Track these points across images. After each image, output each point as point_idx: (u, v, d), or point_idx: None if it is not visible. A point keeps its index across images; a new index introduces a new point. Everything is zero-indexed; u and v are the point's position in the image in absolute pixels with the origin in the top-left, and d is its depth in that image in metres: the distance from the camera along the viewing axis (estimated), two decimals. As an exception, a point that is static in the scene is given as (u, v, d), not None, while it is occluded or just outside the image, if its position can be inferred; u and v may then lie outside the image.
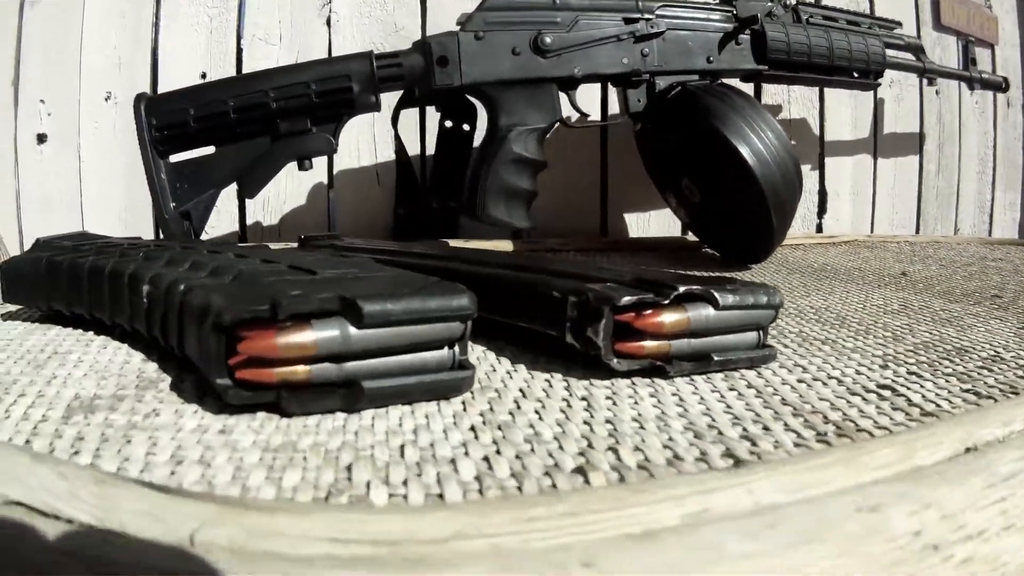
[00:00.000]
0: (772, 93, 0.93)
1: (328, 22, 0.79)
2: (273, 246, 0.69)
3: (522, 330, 0.32)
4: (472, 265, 0.34)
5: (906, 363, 0.33)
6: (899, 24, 0.86)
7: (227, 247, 0.38)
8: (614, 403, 0.26)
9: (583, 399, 0.26)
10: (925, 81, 0.93)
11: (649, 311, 0.28)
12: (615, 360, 0.28)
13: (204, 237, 0.63)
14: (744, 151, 0.62)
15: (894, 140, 1.03)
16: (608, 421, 0.24)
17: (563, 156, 0.81)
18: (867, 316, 0.46)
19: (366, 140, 0.80)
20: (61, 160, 0.75)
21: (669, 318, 0.29)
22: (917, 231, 1.06)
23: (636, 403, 0.26)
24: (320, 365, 0.22)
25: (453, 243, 0.73)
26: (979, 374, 0.31)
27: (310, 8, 0.79)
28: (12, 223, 0.73)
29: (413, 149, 0.81)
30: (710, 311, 0.30)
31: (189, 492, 0.17)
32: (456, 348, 0.24)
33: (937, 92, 1.04)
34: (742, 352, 0.31)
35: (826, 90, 0.96)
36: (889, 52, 0.81)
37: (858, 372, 0.31)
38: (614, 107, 0.87)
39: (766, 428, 0.24)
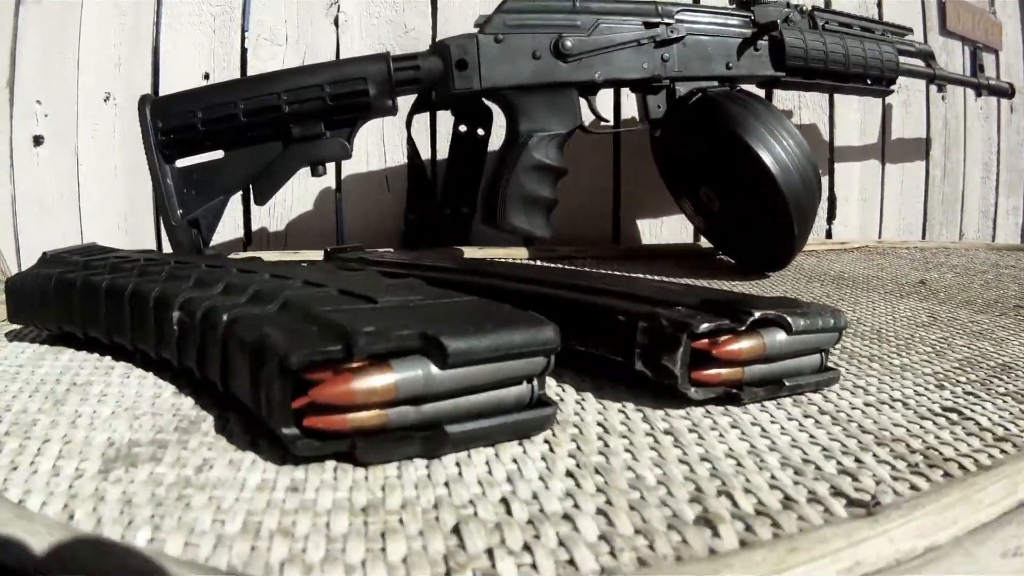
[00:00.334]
0: (783, 99, 0.92)
1: (336, 22, 0.77)
2: (288, 257, 0.67)
3: (576, 352, 0.31)
4: (527, 284, 0.32)
5: (958, 382, 0.33)
6: (910, 30, 0.86)
7: (255, 263, 0.36)
8: (700, 436, 0.25)
9: (667, 432, 0.25)
10: (935, 88, 0.92)
11: (725, 337, 0.27)
12: (692, 389, 0.27)
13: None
14: (767, 158, 0.61)
15: (901, 145, 1.03)
16: (704, 459, 0.23)
17: (575, 161, 0.79)
18: (901, 329, 0.46)
19: (375, 144, 0.78)
20: (58, 163, 0.73)
21: (746, 345, 0.28)
22: (923, 236, 1.06)
23: (722, 436, 0.25)
24: (398, 408, 0.20)
25: (467, 251, 0.71)
26: (1032, 392, 0.32)
27: (317, 7, 0.77)
28: (8, 229, 0.71)
29: (424, 154, 0.79)
30: (783, 336, 0.29)
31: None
32: (535, 382, 0.23)
33: (943, 97, 1.03)
34: (809, 376, 0.31)
35: (836, 96, 0.95)
36: (901, 59, 0.80)
37: (917, 393, 0.31)
38: (626, 112, 0.85)
39: (858, 461, 0.23)
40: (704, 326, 0.26)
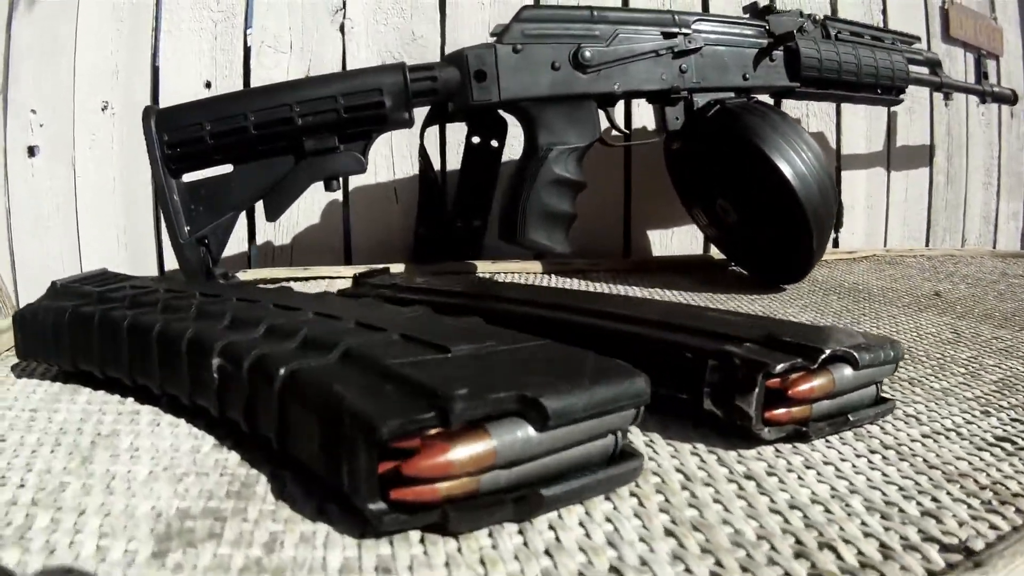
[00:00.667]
0: (790, 108, 0.91)
1: (342, 29, 0.75)
2: (300, 274, 0.64)
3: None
4: (586, 317, 0.31)
5: (1001, 407, 0.34)
6: (918, 39, 0.86)
7: (288, 295, 0.34)
8: (780, 480, 0.25)
9: (747, 477, 0.25)
10: (942, 96, 0.92)
11: (797, 375, 0.27)
12: (765, 430, 0.26)
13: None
14: (786, 170, 0.61)
15: (906, 153, 1.03)
16: (793, 507, 0.23)
17: (586, 172, 0.78)
18: (930, 348, 0.47)
19: (383, 155, 0.76)
20: (54, 175, 0.70)
21: (818, 383, 0.27)
22: (927, 243, 1.06)
23: (800, 479, 0.25)
24: (490, 473, 0.19)
25: (479, 265, 0.70)
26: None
27: (323, 14, 0.75)
28: (2, 243, 0.68)
29: (435, 165, 0.77)
30: (849, 371, 0.29)
31: None
32: (618, 433, 0.21)
33: (946, 104, 1.03)
34: (869, 409, 0.30)
35: (843, 104, 0.95)
36: (910, 67, 0.80)
37: (966, 421, 0.32)
38: (637, 122, 0.84)
39: (935, 500, 0.24)
40: (780, 367, 0.26)
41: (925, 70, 0.87)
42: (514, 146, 0.68)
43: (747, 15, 0.71)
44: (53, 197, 0.70)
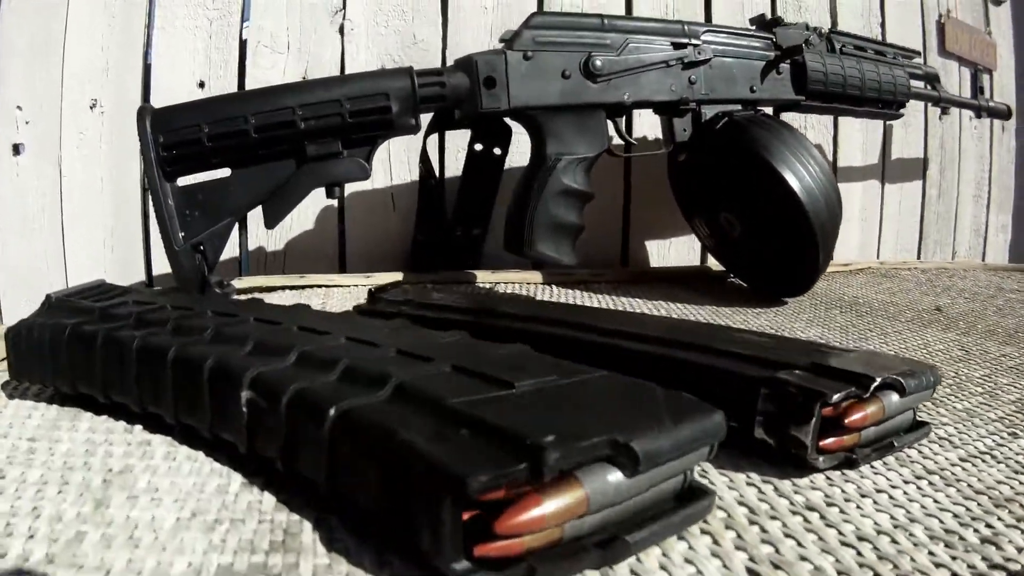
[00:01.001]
0: (788, 119, 0.91)
1: (341, 30, 0.73)
2: (298, 283, 0.62)
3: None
4: (629, 342, 0.30)
5: None
6: (917, 53, 0.86)
7: (310, 316, 0.32)
8: (842, 511, 0.24)
9: (809, 508, 0.25)
10: (938, 110, 0.93)
11: (850, 403, 0.27)
12: (820, 459, 0.26)
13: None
14: (794, 183, 0.60)
15: (900, 165, 1.03)
16: (861, 538, 0.23)
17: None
18: (944, 366, 0.47)
19: (381, 160, 0.75)
20: (40, 174, 0.67)
21: (870, 411, 0.27)
22: (919, 255, 1.07)
23: (860, 508, 0.25)
24: (576, 520, 0.17)
25: (479, 275, 0.68)
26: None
27: (322, 14, 0.73)
28: (-15, 245, 0.65)
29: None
30: (897, 398, 0.28)
31: None
32: (688, 470, 0.20)
33: (941, 119, 1.04)
34: (911, 434, 0.31)
35: (840, 116, 0.95)
36: (910, 82, 0.80)
37: (997, 444, 0.32)
38: (637, 132, 0.83)
39: (989, 526, 0.24)
40: (836, 396, 0.25)
41: (924, 84, 0.87)
42: (515, 154, 0.67)
43: (753, 27, 0.70)
44: (38, 197, 0.67)
